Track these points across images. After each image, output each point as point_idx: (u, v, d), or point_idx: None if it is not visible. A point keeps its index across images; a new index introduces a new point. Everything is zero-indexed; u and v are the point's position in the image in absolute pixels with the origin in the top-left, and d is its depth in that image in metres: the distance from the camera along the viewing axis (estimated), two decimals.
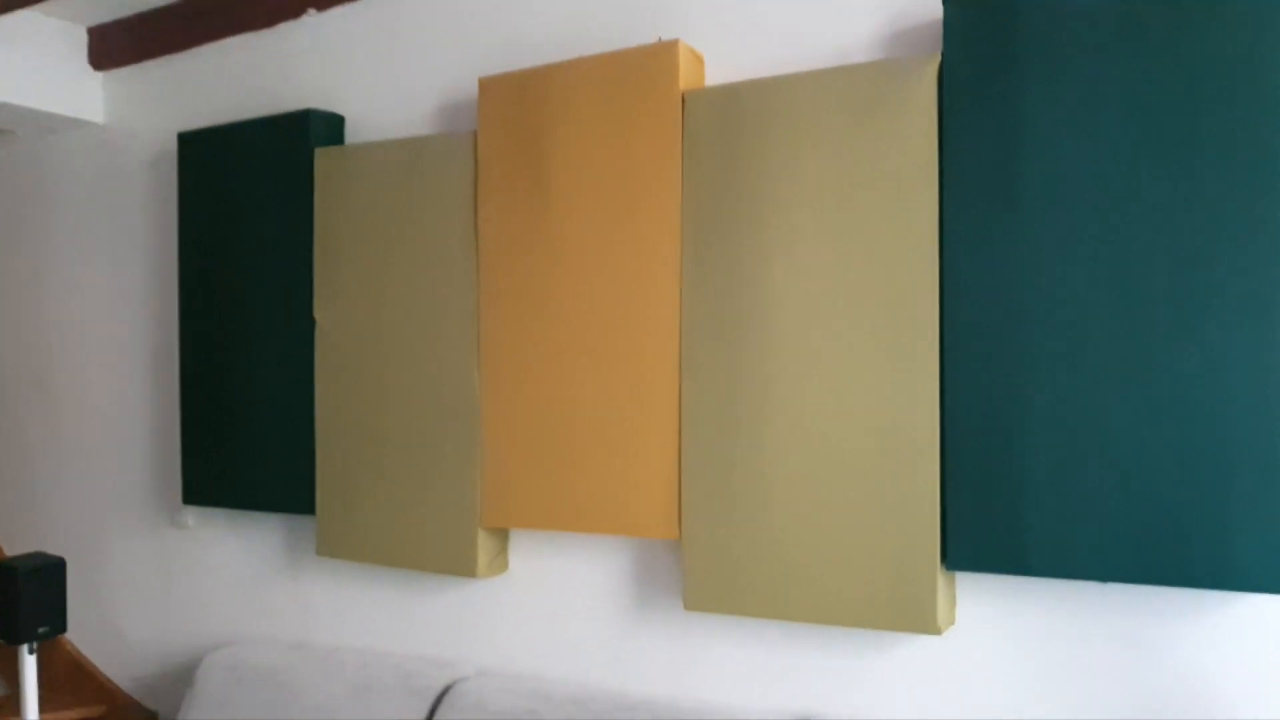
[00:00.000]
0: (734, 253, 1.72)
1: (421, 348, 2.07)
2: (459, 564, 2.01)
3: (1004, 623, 1.60)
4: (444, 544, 2.03)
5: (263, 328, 2.28)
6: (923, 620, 1.55)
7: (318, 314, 2.20)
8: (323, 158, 2.20)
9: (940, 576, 1.56)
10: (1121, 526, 1.44)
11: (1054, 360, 1.48)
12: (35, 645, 2.15)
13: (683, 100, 1.78)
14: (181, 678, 2.59)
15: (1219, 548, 1.38)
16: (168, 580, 2.63)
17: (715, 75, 1.86)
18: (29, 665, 2.16)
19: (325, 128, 2.26)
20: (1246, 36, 1.37)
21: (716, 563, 1.73)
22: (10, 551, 2.99)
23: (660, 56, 1.79)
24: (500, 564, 2.07)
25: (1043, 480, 1.48)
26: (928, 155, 1.57)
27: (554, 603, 2.03)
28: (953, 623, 1.62)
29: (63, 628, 2.20)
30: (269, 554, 2.43)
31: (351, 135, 2.31)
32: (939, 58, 1.57)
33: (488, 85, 1.98)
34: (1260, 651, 1.43)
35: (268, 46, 2.45)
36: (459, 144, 2.03)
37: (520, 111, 1.94)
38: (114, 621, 2.73)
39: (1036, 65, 1.49)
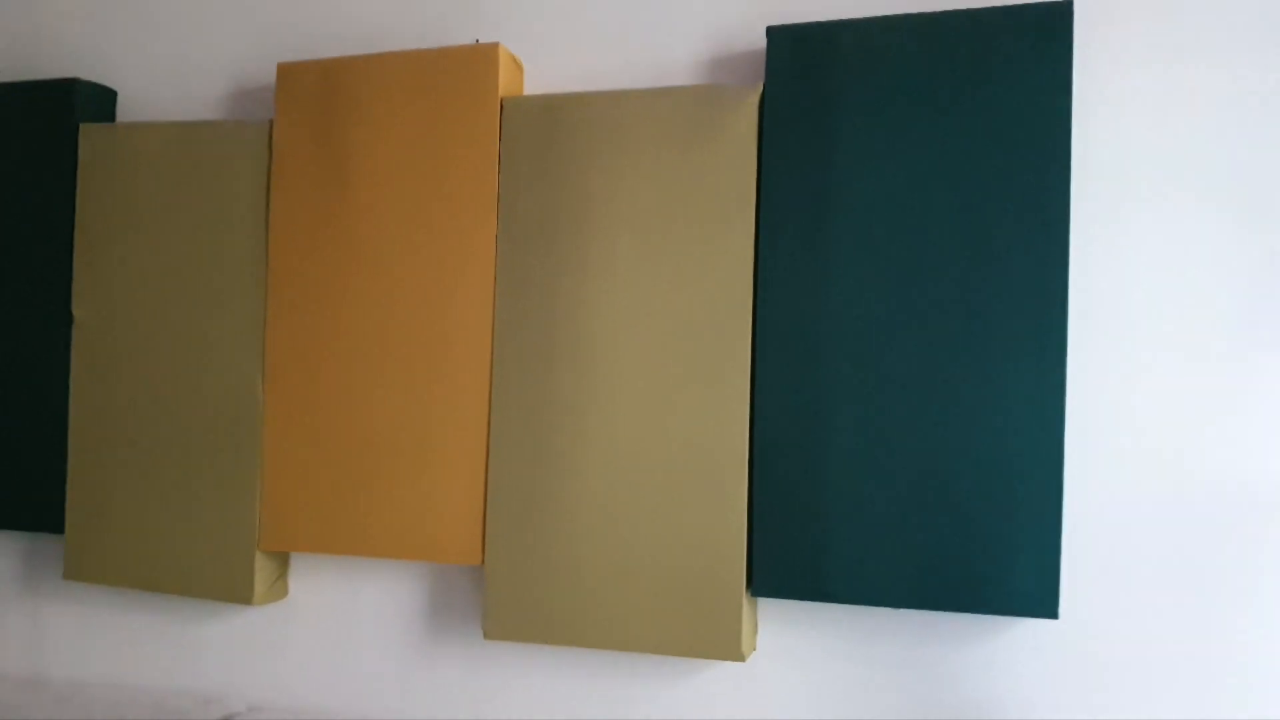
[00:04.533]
0: (551, 267, 1.67)
1: (197, 350, 1.87)
2: (233, 589, 1.83)
3: (803, 648, 1.63)
4: (216, 567, 1.84)
5: (8, 321, 1.99)
6: (728, 647, 1.55)
7: (76, 308, 1.95)
8: (90, 135, 1.96)
9: (745, 603, 1.56)
10: (913, 554, 1.49)
11: (856, 390, 1.52)
12: None
13: (501, 107, 1.71)
14: None
15: (1000, 575, 1.46)
16: None
17: (534, 84, 1.80)
18: None
19: (94, 102, 2.01)
20: (1031, 91, 1.47)
21: (520, 589, 1.66)
22: None
23: (480, 59, 1.72)
24: (280, 589, 1.90)
25: (843, 508, 1.52)
26: (746, 183, 1.58)
27: (340, 632, 1.89)
28: (754, 648, 1.63)
29: None
30: (1, 578, 2.13)
31: (124, 113, 2.07)
32: (760, 87, 1.59)
33: (288, 72, 1.83)
34: (1037, 673, 1.53)
35: (34, 4, 2.16)
36: (252, 132, 1.86)
37: (323, 103, 1.80)
38: None
39: (852, 100, 1.53)
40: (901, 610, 1.57)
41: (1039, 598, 1.45)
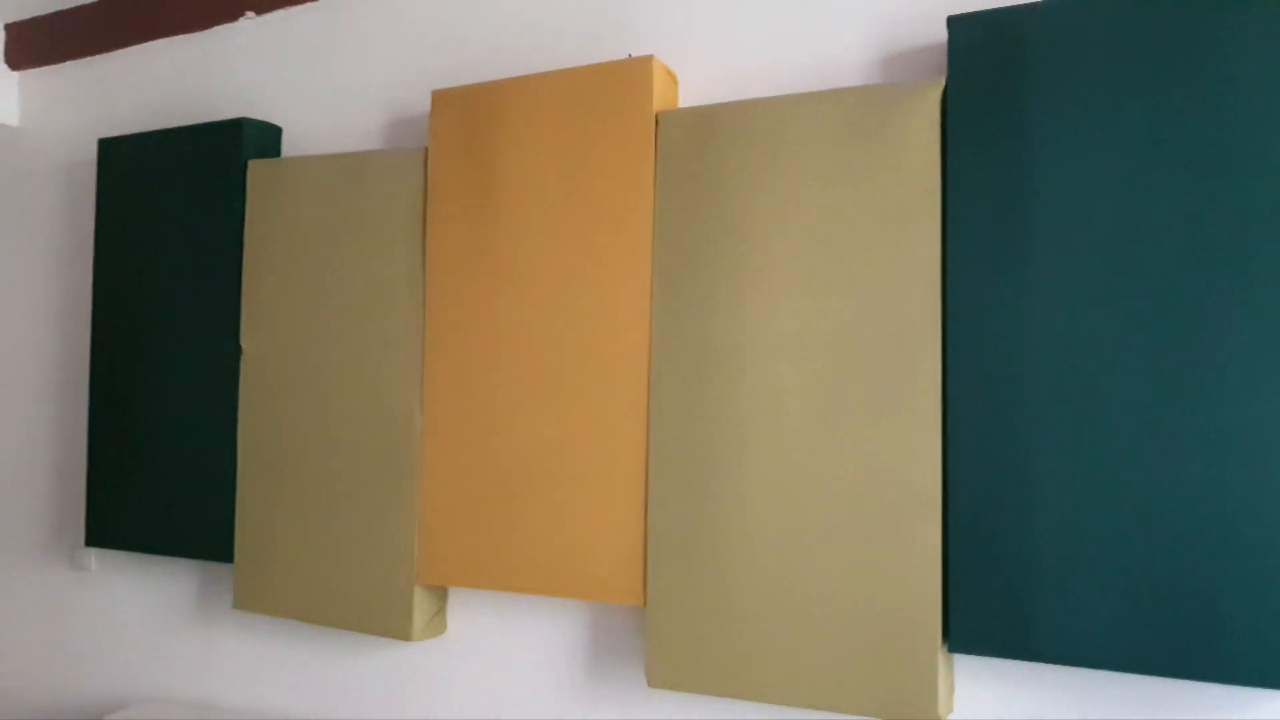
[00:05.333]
0: (713, 287, 1.55)
1: (359, 381, 1.86)
2: (393, 625, 1.79)
3: (1006, 713, 1.44)
4: (377, 601, 1.81)
5: (184, 353, 2.05)
6: (923, 708, 1.38)
7: (244, 340, 1.98)
8: (257, 171, 2.00)
9: (941, 659, 1.39)
10: (1139, 611, 1.28)
11: (1067, 418, 1.33)
12: None
13: (656, 121, 1.62)
14: None
15: (1253, 637, 1.23)
16: (60, 629, 2.35)
17: (689, 96, 1.71)
18: None
19: (260, 139, 2.06)
20: (1276, 58, 1.25)
21: (686, 634, 1.54)
22: None
23: (633, 73, 1.63)
24: (438, 625, 1.85)
25: (1055, 554, 1.33)
26: (929, 187, 1.42)
27: (497, 670, 1.82)
28: (951, 710, 1.45)
29: None
30: (178, 604, 2.19)
31: (288, 148, 2.11)
32: (943, 82, 1.43)
33: (442, 99, 1.80)
34: None
35: (200, 50, 2.25)
36: (408, 160, 1.84)
37: (477, 127, 1.76)
38: None
39: (1050, 91, 1.36)
40: (1124, 674, 1.36)
41: None
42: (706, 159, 1.57)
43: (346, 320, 1.88)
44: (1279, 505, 1.22)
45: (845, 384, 1.46)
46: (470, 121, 1.76)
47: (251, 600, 1.95)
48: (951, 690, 1.45)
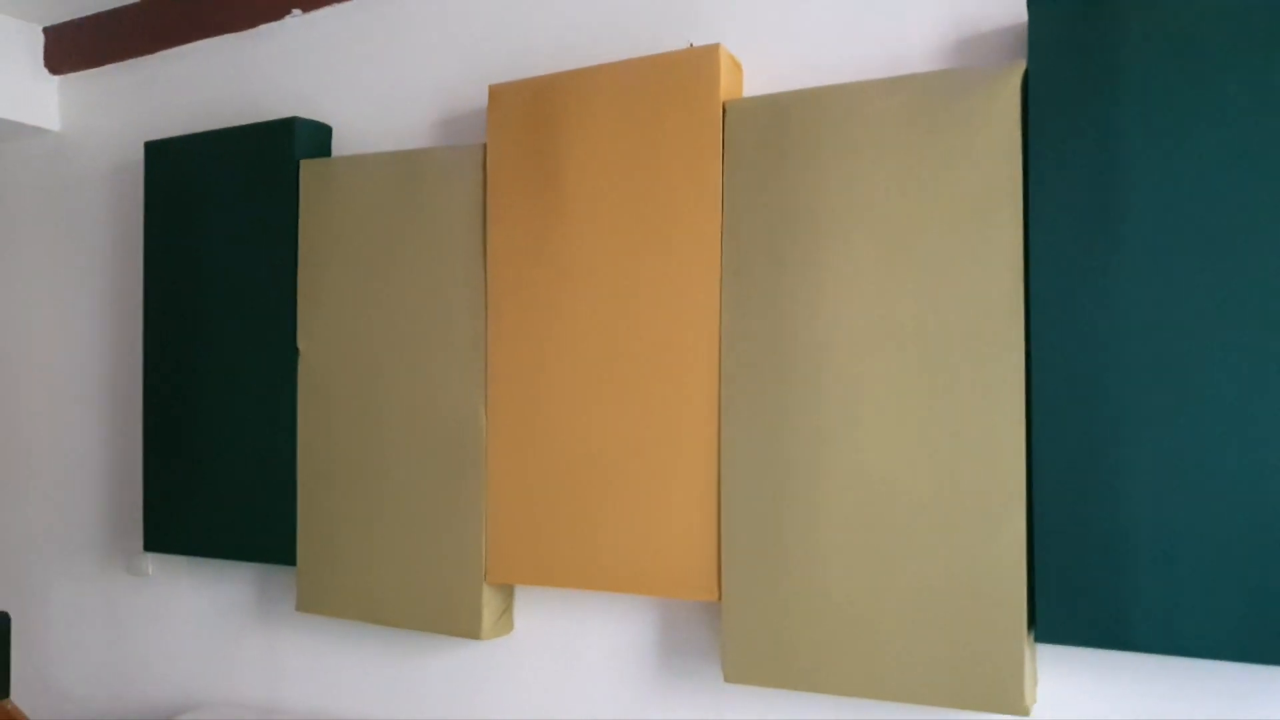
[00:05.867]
0: (784, 279, 1.54)
1: (420, 381, 1.85)
2: (462, 624, 1.79)
3: (1092, 703, 1.42)
4: (444, 601, 1.80)
5: (239, 356, 2.05)
6: (1010, 700, 1.37)
7: (301, 342, 1.97)
8: (310, 170, 1.99)
9: (1027, 649, 1.38)
10: (1234, 598, 1.26)
11: (1159, 405, 1.31)
12: None
13: (723, 111, 1.60)
14: None
15: None
16: (120, 634, 2.36)
17: (753, 84, 1.69)
18: None
19: (311, 138, 2.04)
20: None
21: (764, 629, 1.53)
22: None
23: (700, 63, 1.61)
24: (505, 624, 1.85)
25: (1147, 542, 1.31)
26: (1010, 176, 1.40)
27: (566, 668, 1.81)
28: (1035, 700, 1.43)
29: (5, 692, 1.93)
30: (238, 608, 2.19)
31: (338, 147, 2.10)
32: (1023, 66, 1.41)
33: (499, 94, 1.79)
34: None
35: (245, 50, 2.23)
36: (466, 157, 1.83)
37: (537, 121, 1.74)
38: (56, 678, 2.45)
39: (1141, 73, 1.33)
40: (1214, 663, 1.34)
41: None
42: (777, 149, 1.55)
43: (406, 319, 1.87)
44: None
45: (926, 376, 1.44)
46: (530, 116, 1.75)
47: (315, 602, 1.95)
48: (1035, 680, 1.44)
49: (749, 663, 1.54)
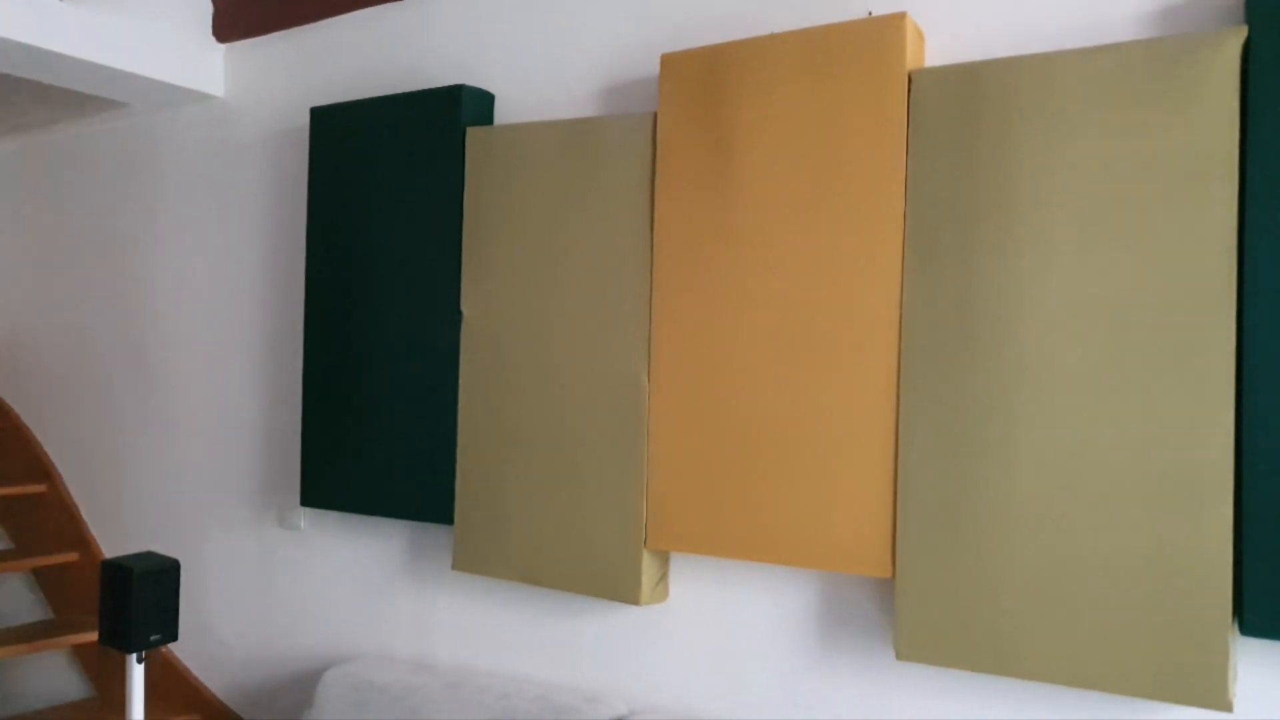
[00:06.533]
0: (972, 252, 1.50)
1: (583, 347, 1.87)
2: (620, 589, 1.81)
3: None
4: (603, 565, 1.83)
5: (401, 319, 2.10)
6: (1213, 694, 1.32)
7: (465, 306, 2.02)
8: (476, 138, 2.02)
9: (1232, 642, 1.33)
10: None
11: None
12: (144, 654, 1.99)
13: (909, 81, 1.57)
14: (283, 690, 2.43)
15: None
16: (273, 585, 2.46)
17: (935, 55, 1.65)
18: (137, 676, 1.99)
19: (475, 105, 2.08)
20: None
21: (940, 607, 1.51)
22: (101, 545, 2.85)
23: (885, 32, 1.58)
24: (661, 591, 1.86)
25: None
26: (1227, 147, 1.34)
27: (723, 638, 1.82)
28: (1234, 695, 1.38)
29: (174, 635, 2.03)
30: (388, 563, 2.26)
31: (500, 115, 2.12)
32: (1245, 32, 1.34)
33: (671, 62, 1.78)
34: None
35: (405, 19, 2.27)
36: (635, 126, 1.83)
37: (709, 91, 1.73)
38: (212, 626, 2.57)
39: None
40: None
41: None
42: (968, 120, 1.51)
43: (570, 286, 1.89)
44: None
45: (1127, 353, 1.40)
46: (703, 86, 1.74)
47: (471, 562, 2.00)
48: (1235, 675, 1.39)
49: (924, 640, 1.52)
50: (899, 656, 1.54)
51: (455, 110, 2.04)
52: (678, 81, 1.78)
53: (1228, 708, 1.32)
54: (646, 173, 1.82)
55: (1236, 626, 1.35)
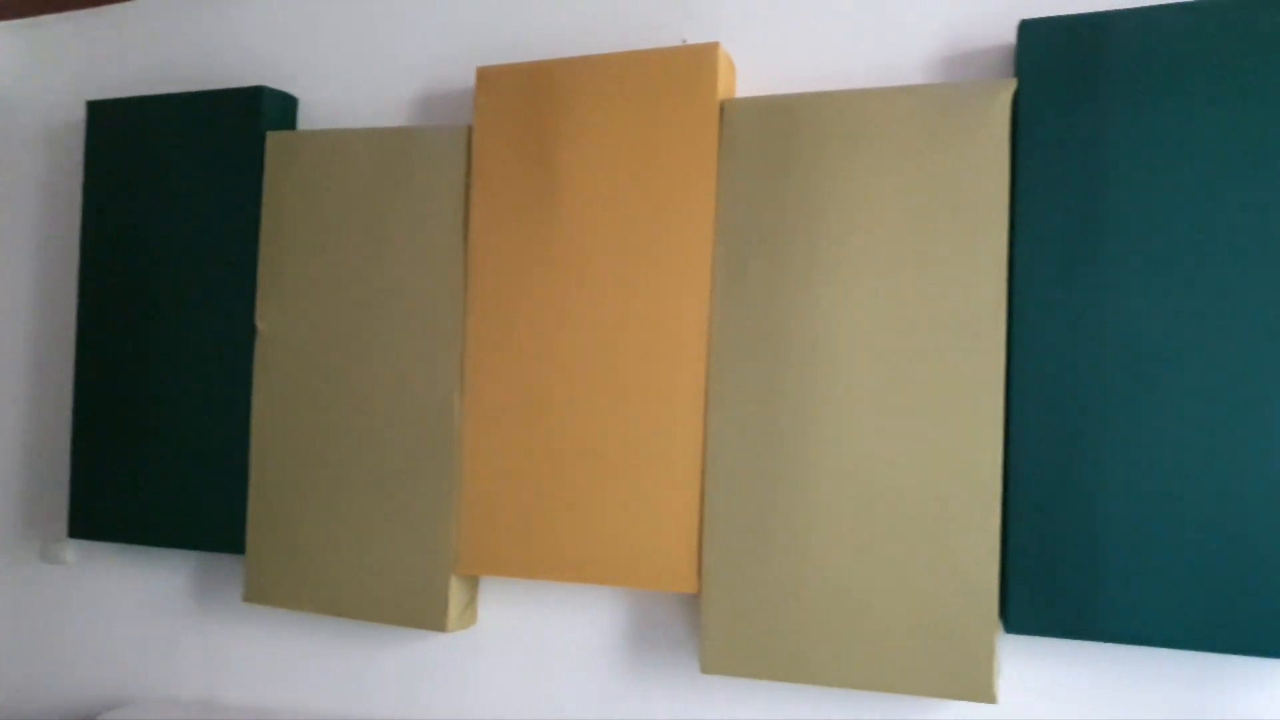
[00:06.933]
0: (776, 276, 1.57)
1: (390, 365, 1.81)
2: (427, 616, 1.75)
3: (1055, 690, 1.50)
4: (408, 592, 1.76)
5: (188, 334, 1.95)
6: (980, 688, 1.43)
7: (260, 320, 1.90)
8: (277, 143, 1.92)
9: (998, 640, 1.44)
10: (1197, 590, 1.36)
11: (1131, 412, 1.40)
12: None
13: (721, 109, 1.62)
14: None
15: None
16: (36, 629, 2.21)
17: (746, 86, 1.72)
18: None
19: (276, 109, 1.97)
20: None
21: (741, 620, 1.55)
22: None
23: (698, 60, 1.63)
24: (469, 616, 1.82)
25: (1114, 539, 1.39)
26: (999, 186, 1.47)
27: (534, 661, 1.80)
28: (999, 688, 1.50)
29: None
30: (172, 598, 2.08)
31: (304, 120, 2.03)
32: (1014, 84, 1.48)
33: (488, 76, 1.77)
34: None
35: (202, 11, 2.14)
36: (450, 139, 1.80)
37: (527, 108, 1.73)
38: None
39: (1123, 97, 1.42)
40: (1173, 652, 1.44)
41: None
42: (776, 150, 1.58)
43: (376, 301, 1.82)
44: None
45: (913, 375, 1.49)
46: (520, 101, 1.73)
47: (265, 593, 1.88)
48: (999, 669, 1.50)
49: (727, 654, 1.56)
50: (704, 670, 1.57)
51: (254, 113, 1.93)
52: (494, 96, 1.76)
53: (992, 699, 1.43)
54: (460, 187, 1.78)
55: (1002, 626, 1.46)
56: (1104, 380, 1.41)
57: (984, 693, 1.44)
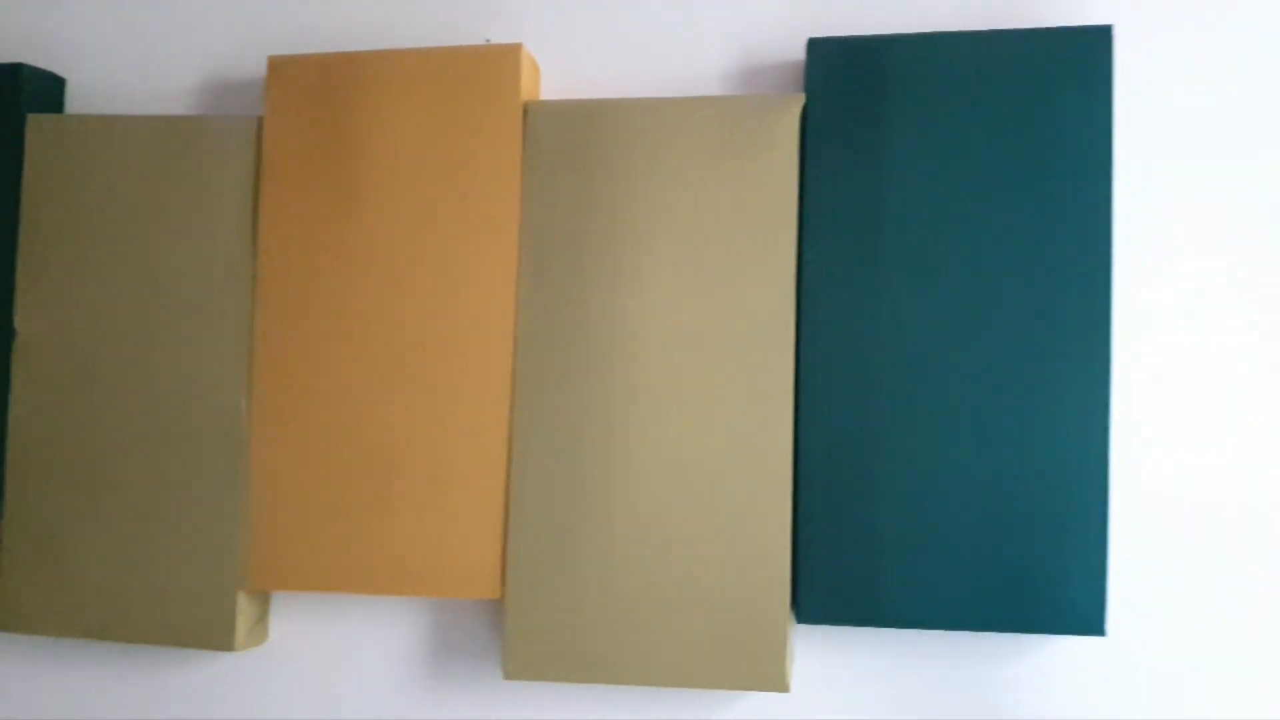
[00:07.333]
0: (579, 279, 1.58)
1: (168, 368, 1.69)
2: (213, 635, 1.64)
3: (843, 674, 1.59)
4: (192, 611, 1.65)
5: None
6: (774, 678, 1.49)
7: (19, 320, 1.73)
8: (40, 127, 1.75)
9: (790, 631, 1.51)
10: (964, 575, 1.47)
11: (909, 409, 1.50)
12: None
13: (525, 111, 1.62)
14: None
15: (1050, 593, 1.45)
16: None
17: (551, 89, 1.72)
18: None
19: (40, 89, 1.80)
20: (1074, 112, 1.48)
21: (545, 624, 1.55)
22: None
23: (501, 60, 1.62)
24: (260, 633, 1.72)
25: (893, 531, 1.49)
26: (788, 197, 1.54)
27: (331, 677, 1.72)
28: (792, 676, 1.57)
29: None
30: None
31: (72, 104, 1.86)
32: (803, 98, 1.55)
33: (281, 66, 1.68)
34: (1082, 690, 1.53)
35: None
36: (239, 130, 1.70)
37: (323, 101, 1.66)
38: None
39: (898, 116, 1.52)
40: (943, 632, 1.55)
41: (1087, 615, 1.45)
42: (578, 154, 1.59)
43: (154, 300, 1.70)
44: (1077, 483, 1.45)
45: (708, 377, 1.54)
46: (316, 93, 1.66)
47: (23, 619, 1.70)
48: (793, 658, 1.57)
49: (530, 659, 1.55)
50: (507, 676, 1.55)
51: (14, 92, 1.75)
52: (287, 87, 1.68)
53: (785, 689, 1.49)
54: (249, 181, 1.69)
55: (794, 617, 1.53)
56: (883, 381, 1.51)
57: (777, 682, 1.50)
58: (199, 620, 1.65)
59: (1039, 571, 1.46)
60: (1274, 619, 1.49)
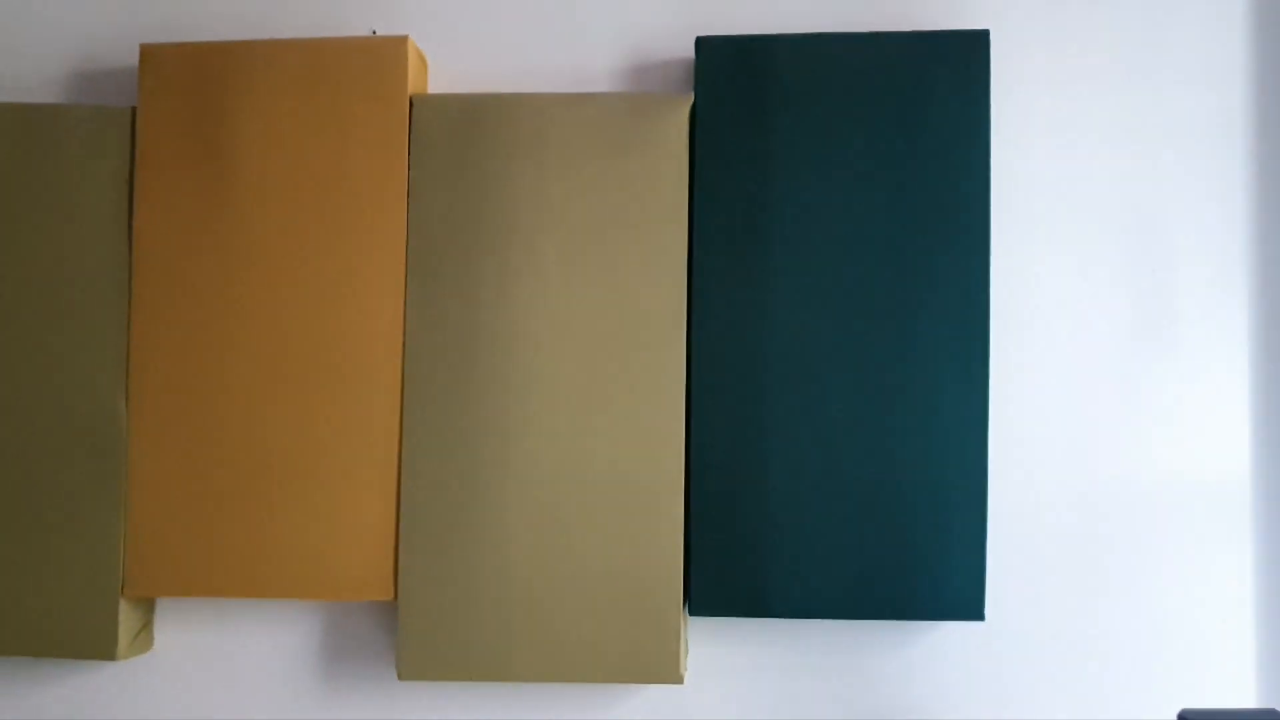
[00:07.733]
0: (469, 276, 1.56)
1: (38, 370, 1.61)
2: (93, 645, 1.59)
3: (736, 664, 1.62)
4: (71, 621, 1.59)
5: None
6: (667, 670, 1.51)
7: None
8: None
9: (683, 624, 1.53)
10: (848, 566, 1.51)
11: (793, 405, 1.53)
12: None
13: (411, 104, 1.59)
14: None
15: (931, 582, 1.50)
16: None
17: (438, 83, 1.69)
18: None
19: None
20: (953, 113, 1.53)
21: (438, 624, 1.54)
22: None
23: (387, 53, 1.59)
24: (144, 641, 1.67)
25: (781, 524, 1.52)
26: (679, 194, 1.55)
27: (219, 684, 1.68)
28: (686, 669, 1.59)
29: None
30: None
31: None
32: (692, 98, 1.56)
33: (154, 54, 1.62)
34: (963, 674, 1.59)
35: None
36: (111, 120, 1.63)
37: (200, 92, 1.60)
38: None
39: (784, 114, 1.54)
40: (832, 621, 1.59)
41: (966, 602, 1.51)
42: (466, 149, 1.57)
43: (19, 300, 1.62)
44: (957, 476, 1.50)
45: (600, 374, 1.54)
46: (192, 83, 1.60)
47: None
48: (687, 650, 1.60)
49: (425, 659, 1.54)
50: (401, 677, 1.54)
51: None
52: (161, 76, 1.61)
53: (678, 680, 1.52)
54: (122, 174, 1.62)
55: (686, 610, 1.55)
56: (771, 376, 1.53)
57: (671, 675, 1.52)
58: (79, 630, 1.59)
59: (921, 562, 1.50)
60: (1134, 600, 1.57)
